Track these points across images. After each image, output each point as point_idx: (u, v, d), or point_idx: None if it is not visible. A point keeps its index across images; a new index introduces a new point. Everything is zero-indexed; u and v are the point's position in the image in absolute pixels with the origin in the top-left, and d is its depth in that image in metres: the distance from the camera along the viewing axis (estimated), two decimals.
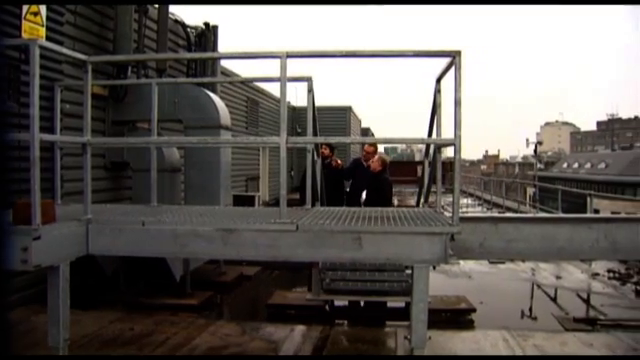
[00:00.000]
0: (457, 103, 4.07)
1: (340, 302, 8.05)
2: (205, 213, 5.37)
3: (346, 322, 7.67)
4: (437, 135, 5.20)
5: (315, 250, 4.40)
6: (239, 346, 6.14)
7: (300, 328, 6.81)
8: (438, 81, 5.20)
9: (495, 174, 67.10)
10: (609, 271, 10.45)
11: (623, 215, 7.67)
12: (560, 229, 5.36)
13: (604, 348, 6.17)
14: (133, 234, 4.72)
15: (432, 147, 5.94)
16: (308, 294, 8.00)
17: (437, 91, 5.26)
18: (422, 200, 6.43)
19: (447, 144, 4.58)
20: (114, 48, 8.59)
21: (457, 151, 4.10)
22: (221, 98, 10.05)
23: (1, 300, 2.31)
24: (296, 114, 23.21)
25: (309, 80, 5.83)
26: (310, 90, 5.89)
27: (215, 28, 11.61)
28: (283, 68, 4.40)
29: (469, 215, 6.64)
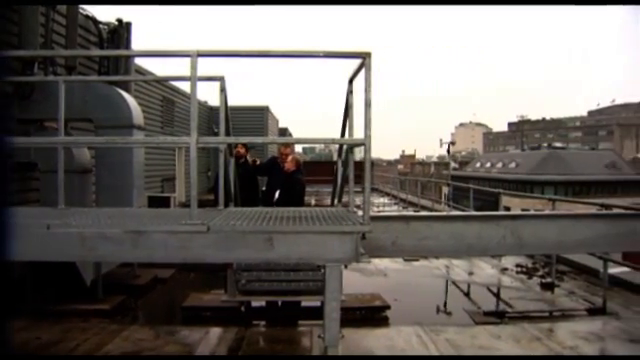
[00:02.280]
0: (367, 104, 4.12)
1: (258, 302, 8.01)
2: (115, 215, 5.21)
3: (263, 322, 7.66)
4: (349, 135, 5.25)
5: (227, 251, 4.35)
6: (153, 350, 6.04)
7: (215, 330, 6.75)
8: (350, 82, 5.26)
9: (411, 173, 68.43)
10: (517, 266, 10.88)
11: (528, 212, 7.99)
12: (469, 227, 5.53)
13: (510, 339, 6.45)
14: (38, 238, 4.51)
15: (345, 147, 6.01)
16: (224, 295, 7.92)
17: (349, 92, 5.31)
18: (336, 200, 6.48)
19: (357, 144, 4.64)
20: (19, 43, 8.21)
21: (367, 151, 4.14)
22: (135, 97, 9.81)
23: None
24: (213, 114, 22.96)
25: (221, 80, 5.76)
26: (222, 90, 5.82)
27: (128, 25, 11.29)
28: (193, 67, 4.32)
29: (381, 214, 6.75)
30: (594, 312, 7.78)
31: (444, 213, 10.74)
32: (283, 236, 4.27)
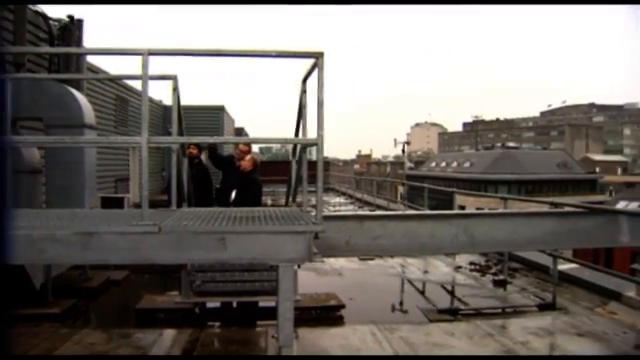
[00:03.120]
0: (320, 104, 4.13)
1: (213, 304, 7.94)
2: (65, 216, 5.11)
3: (218, 324, 7.60)
4: (303, 135, 5.26)
5: (179, 252, 4.30)
6: (105, 354, 5.93)
7: (169, 332, 6.68)
8: (304, 81, 5.26)
9: (368, 173, 69.04)
10: (471, 264, 11.04)
11: (480, 211, 8.12)
12: (422, 225, 5.60)
13: (464, 336, 6.56)
14: None
15: (299, 147, 6.01)
16: (179, 297, 7.83)
17: (303, 91, 5.31)
18: (291, 199, 6.48)
19: (310, 144, 4.65)
20: None
21: (320, 150, 4.16)
22: (87, 96, 9.63)
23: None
24: (168, 113, 22.66)
25: (174, 79, 5.71)
26: (175, 89, 5.76)
27: (80, 22, 11.06)
28: (144, 65, 4.27)
29: (335, 214, 6.81)
30: (544, 308, 7.95)
31: (398, 212, 10.85)
32: (236, 236, 4.25)
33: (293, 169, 6.31)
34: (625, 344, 6.38)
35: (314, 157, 5.53)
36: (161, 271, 9.73)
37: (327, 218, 4.58)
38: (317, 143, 4.16)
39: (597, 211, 7.03)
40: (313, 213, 4.75)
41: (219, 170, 9.59)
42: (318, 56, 4.19)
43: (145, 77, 4.32)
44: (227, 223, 4.47)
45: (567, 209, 7.30)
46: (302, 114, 5.35)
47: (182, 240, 4.28)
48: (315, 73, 4.31)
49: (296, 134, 5.77)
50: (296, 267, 6.52)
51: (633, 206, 39.38)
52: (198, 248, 4.28)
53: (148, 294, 8.51)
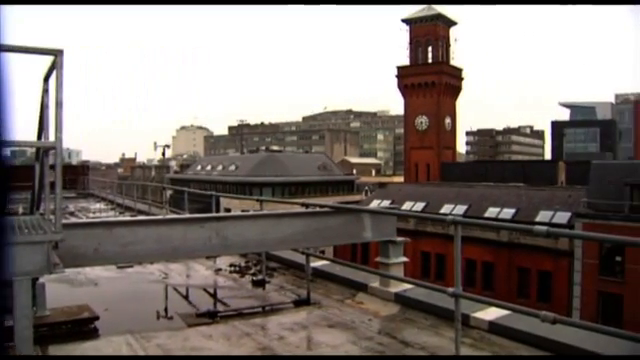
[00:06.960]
0: (59, 104, 3.90)
1: None
2: None
3: None
4: (46, 138, 4.92)
5: None
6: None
7: None
8: (45, 80, 4.92)
9: (132, 177, 66.81)
10: (231, 265, 11.15)
11: (232, 213, 8.26)
12: (174, 230, 5.56)
13: (222, 338, 6.62)
14: None
15: (41, 151, 5.62)
16: None
17: (44, 91, 4.97)
18: (36, 207, 6.02)
19: (48, 147, 4.36)
20: None
21: (59, 154, 3.91)
22: None
23: None
24: None
25: None
26: None
27: None
28: None
29: (80, 221, 6.47)
30: (300, 303, 8.27)
31: (148, 217, 10.56)
32: None
33: (36, 174, 5.87)
34: (369, 330, 6.92)
35: (73, 161, 5.20)
36: None
37: (71, 226, 4.34)
38: (55, 147, 3.90)
39: (342, 210, 7.57)
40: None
41: None
42: (57, 54, 3.95)
43: None
44: None
45: (316, 209, 7.76)
46: (43, 115, 5.00)
47: None
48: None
49: (39, 136, 5.37)
50: (43, 279, 6.09)
51: (385, 204, 43.15)
52: None
53: None
